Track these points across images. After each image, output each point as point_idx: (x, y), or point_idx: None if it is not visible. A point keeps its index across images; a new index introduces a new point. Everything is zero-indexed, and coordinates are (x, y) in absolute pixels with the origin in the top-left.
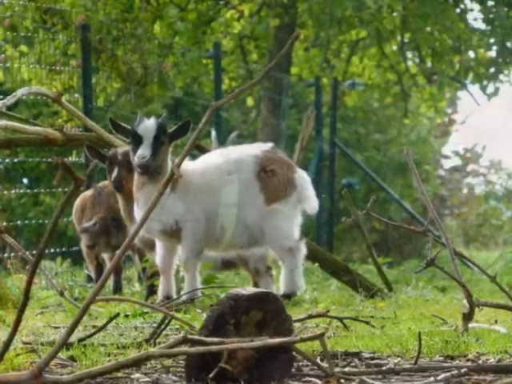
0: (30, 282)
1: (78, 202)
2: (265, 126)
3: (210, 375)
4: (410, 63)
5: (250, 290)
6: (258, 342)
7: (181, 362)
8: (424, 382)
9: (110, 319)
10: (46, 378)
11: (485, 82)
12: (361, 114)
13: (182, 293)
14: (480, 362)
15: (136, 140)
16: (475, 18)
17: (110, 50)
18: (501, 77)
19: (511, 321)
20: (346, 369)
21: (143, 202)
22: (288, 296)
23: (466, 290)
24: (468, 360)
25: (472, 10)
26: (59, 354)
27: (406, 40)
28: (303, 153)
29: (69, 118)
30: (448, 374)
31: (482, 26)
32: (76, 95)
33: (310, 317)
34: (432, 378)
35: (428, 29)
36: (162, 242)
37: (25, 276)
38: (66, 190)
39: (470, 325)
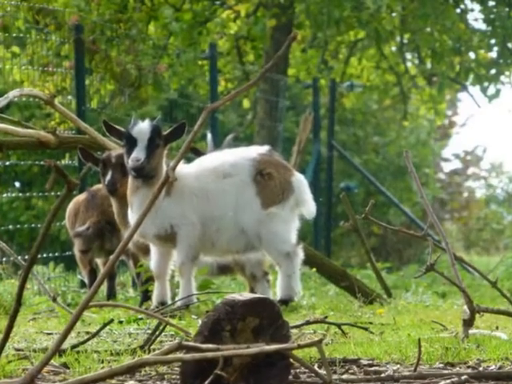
0: (22, 288)
1: (71, 206)
2: (261, 128)
3: (206, 382)
4: (409, 64)
5: (246, 295)
6: (255, 348)
7: (176, 368)
8: None
9: (104, 325)
10: None
11: (485, 84)
12: (359, 116)
13: (177, 298)
14: (481, 369)
15: (130, 143)
16: (476, 19)
17: (103, 50)
18: (502, 78)
19: None
20: (344, 376)
21: (137, 206)
22: (285, 302)
23: (467, 295)
24: (468, 367)
25: (472, 10)
26: (52, 361)
27: (405, 41)
28: (300, 156)
29: (62, 120)
30: (448, 381)
31: (482, 26)
32: (69, 97)
33: (308, 323)
34: None
35: (428, 29)
36: (157, 247)
37: (17, 281)
38: (58, 193)
39: (470, 331)
